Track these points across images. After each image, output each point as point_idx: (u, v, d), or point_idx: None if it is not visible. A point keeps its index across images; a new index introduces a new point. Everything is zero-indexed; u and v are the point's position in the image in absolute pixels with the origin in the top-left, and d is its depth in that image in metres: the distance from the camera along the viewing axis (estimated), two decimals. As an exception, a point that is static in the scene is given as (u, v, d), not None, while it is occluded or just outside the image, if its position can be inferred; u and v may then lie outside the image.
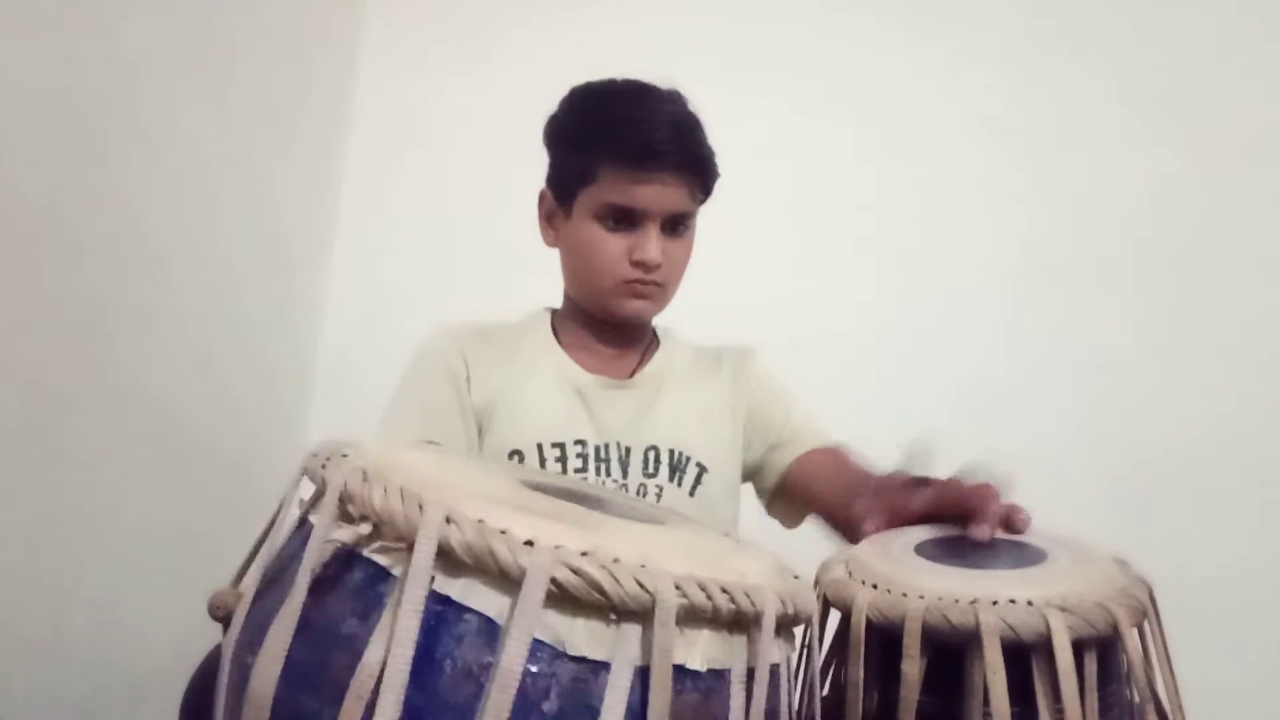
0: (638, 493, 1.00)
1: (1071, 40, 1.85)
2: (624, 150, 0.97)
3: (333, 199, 1.98)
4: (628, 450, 1.02)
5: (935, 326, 1.79)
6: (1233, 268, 1.74)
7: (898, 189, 1.85)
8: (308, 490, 0.48)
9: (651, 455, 1.02)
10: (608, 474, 1.00)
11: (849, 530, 0.92)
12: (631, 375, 1.08)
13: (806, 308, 1.78)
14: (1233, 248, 1.75)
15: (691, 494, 1.03)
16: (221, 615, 0.48)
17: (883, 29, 1.90)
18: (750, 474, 1.12)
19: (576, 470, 0.99)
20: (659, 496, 1.01)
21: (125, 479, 1.37)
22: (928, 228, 1.83)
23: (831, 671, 0.65)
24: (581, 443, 1.01)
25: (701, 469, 1.04)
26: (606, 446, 1.02)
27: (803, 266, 1.82)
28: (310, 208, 1.91)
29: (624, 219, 0.99)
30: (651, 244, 0.98)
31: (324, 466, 0.46)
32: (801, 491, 1.07)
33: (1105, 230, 1.78)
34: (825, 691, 0.65)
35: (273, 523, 0.50)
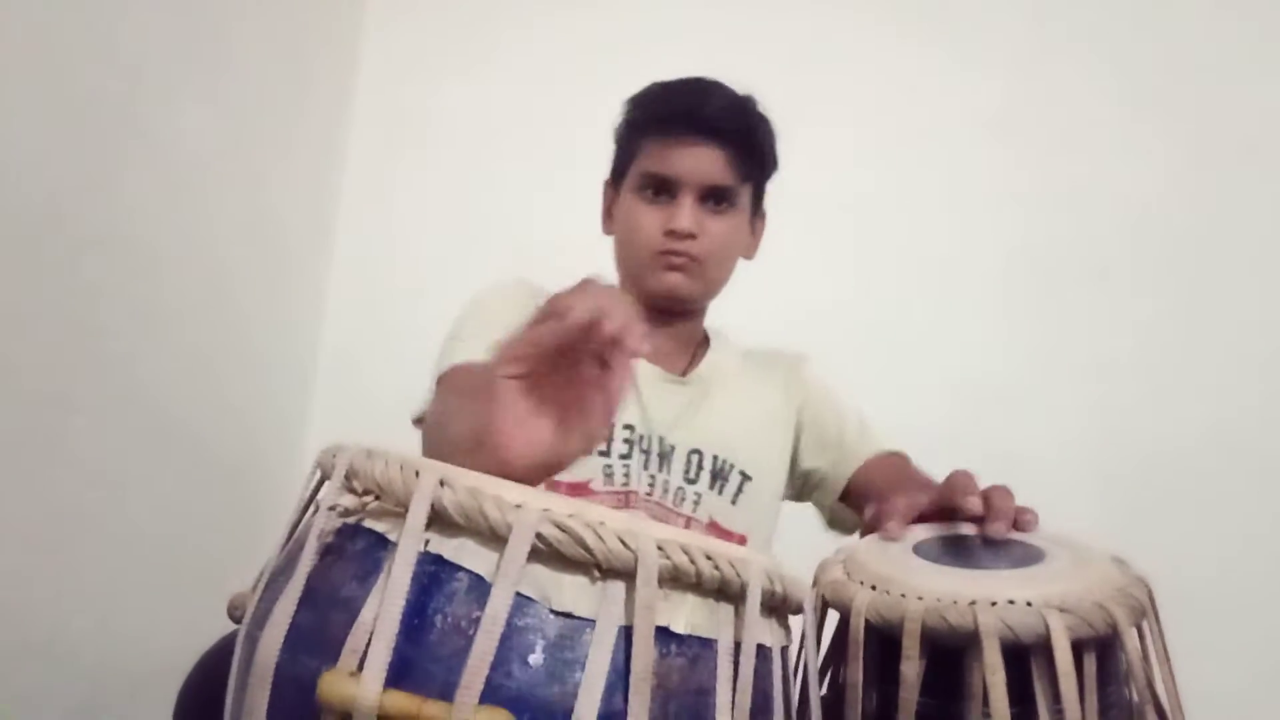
0: (675, 497, 0.98)
1: (1071, 40, 1.85)
2: (663, 115, 0.97)
3: (333, 199, 1.98)
4: (671, 448, 1.00)
5: (935, 327, 1.79)
6: (1233, 268, 1.74)
7: (897, 189, 1.85)
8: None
9: (695, 459, 1.00)
10: (645, 467, 0.97)
11: None
12: (684, 373, 1.07)
13: (804, 307, 1.78)
14: (1233, 248, 1.75)
15: (734, 502, 1.00)
16: (239, 616, 0.49)
17: (883, 29, 1.90)
18: (810, 489, 1.10)
19: (621, 456, 0.97)
20: (696, 504, 0.99)
21: (125, 479, 1.37)
22: (927, 228, 1.83)
23: (830, 672, 0.65)
24: (630, 428, 0.98)
25: (745, 477, 1.01)
26: (650, 438, 0.99)
27: (801, 266, 1.82)
28: (310, 208, 1.91)
29: (662, 189, 0.98)
30: (684, 213, 0.97)
31: (334, 456, 0.48)
32: (863, 501, 1.02)
33: (1105, 230, 1.78)
34: (824, 692, 0.64)
35: (294, 526, 0.51)
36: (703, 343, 1.12)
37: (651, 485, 0.97)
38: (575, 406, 0.56)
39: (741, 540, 0.99)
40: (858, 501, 1.05)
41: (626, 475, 0.96)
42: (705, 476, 1.00)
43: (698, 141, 0.96)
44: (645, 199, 0.99)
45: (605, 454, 0.96)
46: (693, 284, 1.01)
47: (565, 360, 0.55)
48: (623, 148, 1.04)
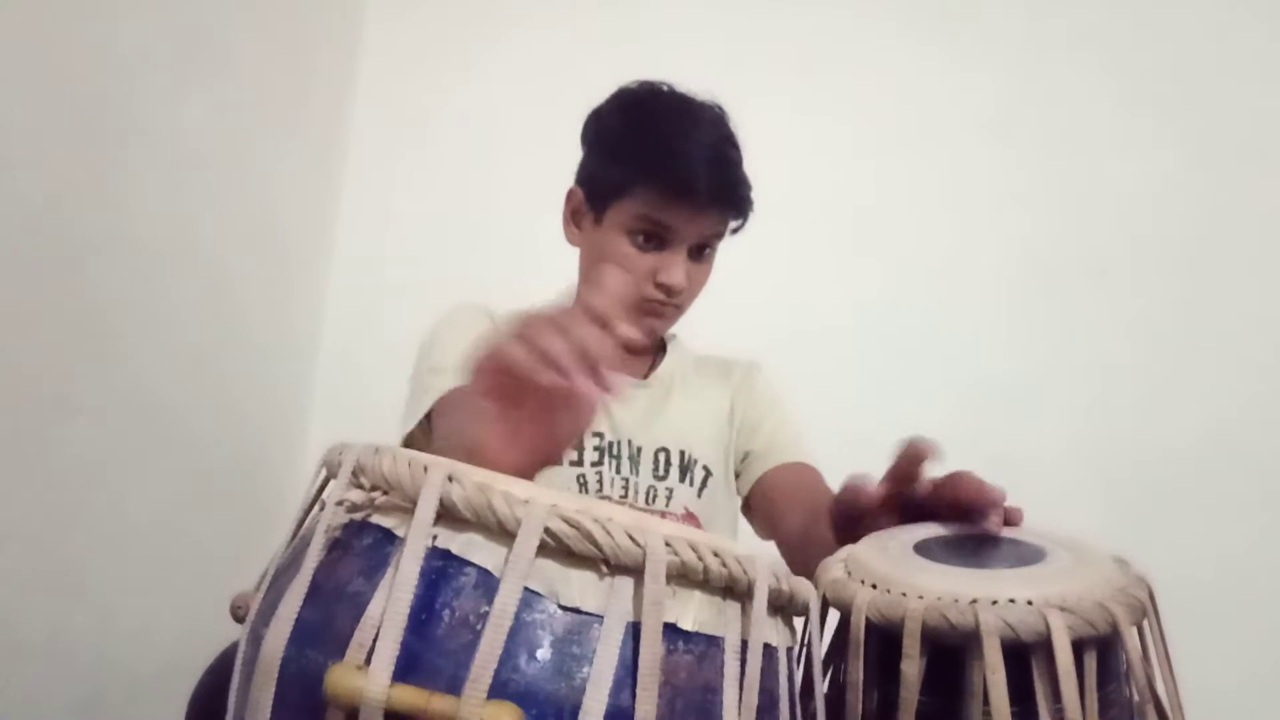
0: (647, 497, 1.00)
1: (1071, 40, 1.85)
2: (662, 179, 0.96)
3: (333, 199, 1.98)
4: (639, 450, 1.03)
5: (935, 327, 1.79)
6: (1233, 268, 1.74)
7: (898, 189, 1.85)
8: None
9: (662, 457, 1.03)
10: (618, 471, 1.00)
11: (802, 553, 0.91)
12: (646, 376, 1.10)
13: (805, 308, 1.78)
14: (1233, 248, 1.75)
15: (699, 495, 1.03)
16: (243, 615, 0.49)
17: (883, 29, 1.90)
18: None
19: (592, 464, 0.99)
20: (669, 499, 1.01)
21: (125, 478, 1.37)
22: (927, 228, 1.83)
23: (830, 671, 0.65)
24: (599, 435, 1.01)
25: (707, 471, 1.05)
26: (619, 443, 1.02)
27: (802, 266, 1.82)
28: (310, 208, 1.91)
29: (654, 238, 0.98)
30: (678, 268, 0.97)
31: (341, 454, 0.48)
32: (767, 505, 1.06)
33: (1105, 230, 1.78)
34: (824, 691, 0.64)
35: (299, 524, 0.51)
36: (659, 345, 1.14)
37: (625, 489, 1.00)
38: (547, 428, 0.60)
39: None
40: (762, 504, 1.07)
41: (600, 482, 0.99)
42: (674, 471, 1.03)
43: (703, 207, 0.97)
44: (634, 243, 0.99)
45: (578, 464, 0.99)
46: (668, 325, 1.04)
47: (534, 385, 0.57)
48: (608, 174, 1.01)
